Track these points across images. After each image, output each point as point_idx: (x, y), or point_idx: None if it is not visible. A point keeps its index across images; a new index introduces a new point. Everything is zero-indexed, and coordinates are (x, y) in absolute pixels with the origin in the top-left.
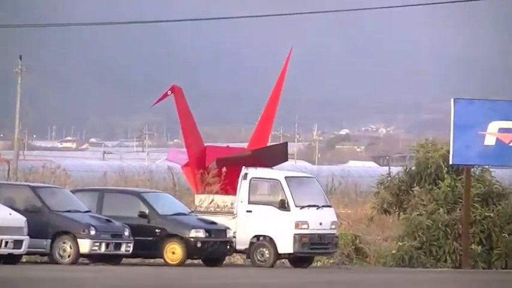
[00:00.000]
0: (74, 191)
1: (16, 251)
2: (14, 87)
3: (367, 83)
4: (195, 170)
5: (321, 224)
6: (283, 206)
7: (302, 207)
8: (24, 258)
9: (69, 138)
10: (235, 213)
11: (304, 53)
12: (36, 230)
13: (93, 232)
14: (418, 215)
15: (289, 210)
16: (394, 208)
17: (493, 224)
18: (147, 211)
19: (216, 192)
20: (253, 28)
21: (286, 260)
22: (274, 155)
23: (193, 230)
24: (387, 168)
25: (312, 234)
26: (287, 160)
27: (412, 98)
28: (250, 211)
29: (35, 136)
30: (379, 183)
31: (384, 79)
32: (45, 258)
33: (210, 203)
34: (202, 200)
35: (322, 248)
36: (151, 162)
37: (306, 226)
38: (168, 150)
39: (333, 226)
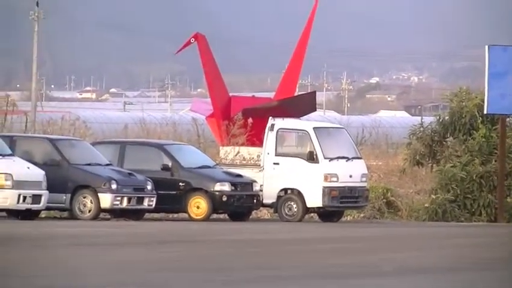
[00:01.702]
0: (94, 144)
1: (35, 206)
2: (31, 35)
3: (398, 30)
4: (219, 121)
5: (351, 176)
6: (311, 158)
7: (331, 159)
8: (43, 214)
9: (88, 88)
10: (261, 165)
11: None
12: (55, 185)
13: (114, 186)
14: (451, 166)
15: (318, 163)
16: (427, 160)
17: None
18: (170, 164)
19: (242, 144)
20: None
21: (315, 214)
22: (302, 105)
23: (218, 184)
24: (419, 118)
25: (342, 187)
26: (315, 110)
27: (446, 45)
28: (278, 163)
29: (53, 86)
30: (411, 133)
31: (415, 26)
32: (65, 214)
33: (236, 156)
34: (228, 152)
35: (352, 202)
36: (174, 113)
37: (335, 179)
38: (191, 101)
39: (364, 179)
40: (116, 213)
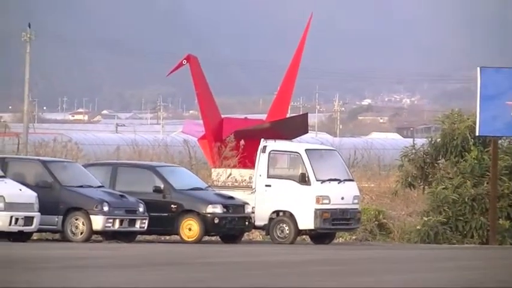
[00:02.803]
0: (86, 166)
1: (27, 228)
2: (23, 56)
3: (391, 52)
4: (211, 143)
5: (342, 198)
6: (303, 180)
7: (323, 181)
8: (35, 236)
9: (80, 110)
10: (253, 187)
11: (326, 20)
12: (47, 206)
13: (106, 208)
14: (443, 188)
15: (310, 185)
16: (419, 182)
17: None
18: (162, 186)
19: (234, 166)
20: None
21: (307, 237)
22: (294, 127)
23: (210, 206)
24: (411, 140)
25: (334, 209)
26: (307, 132)
27: (438, 67)
28: (270, 185)
29: (45, 108)
30: (403, 155)
31: (408, 48)
32: (57, 236)
33: (228, 177)
34: (220, 174)
35: (344, 224)
36: (166, 135)
37: (327, 201)
38: (183, 122)
39: (356, 201)
40: (107, 235)
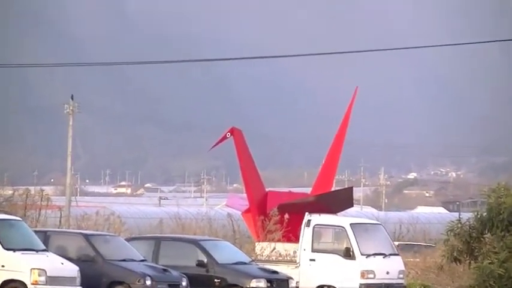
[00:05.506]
0: (128, 239)
1: None
2: (64, 129)
3: (436, 124)
4: (255, 217)
5: (388, 273)
6: (348, 254)
7: (368, 255)
8: None
9: (123, 183)
10: (298, 262)
11: (370, 94)
12: (89, 280)
13: (149, 282)
14: (489, 263)
15: (355, 259)
16: (465, 256)
17: None
18: (205, 260)
19: (278, 240)
20: (315, 67)
21: None
22: (339, 201)
23: (254, 280)
24: (457, 214)
25: (379, 284)
26: (352, 206)
27: (484, 140)
28: (314, 260)
29: (87, 181)
30: (449, 230)
31: (454, 120)
32: None
33: (272, 251)
34: (264, 248)
35: None
36: (209, 209)
37: (372, 275)
38: (227, 196)
39: (401, 275)
40: None
